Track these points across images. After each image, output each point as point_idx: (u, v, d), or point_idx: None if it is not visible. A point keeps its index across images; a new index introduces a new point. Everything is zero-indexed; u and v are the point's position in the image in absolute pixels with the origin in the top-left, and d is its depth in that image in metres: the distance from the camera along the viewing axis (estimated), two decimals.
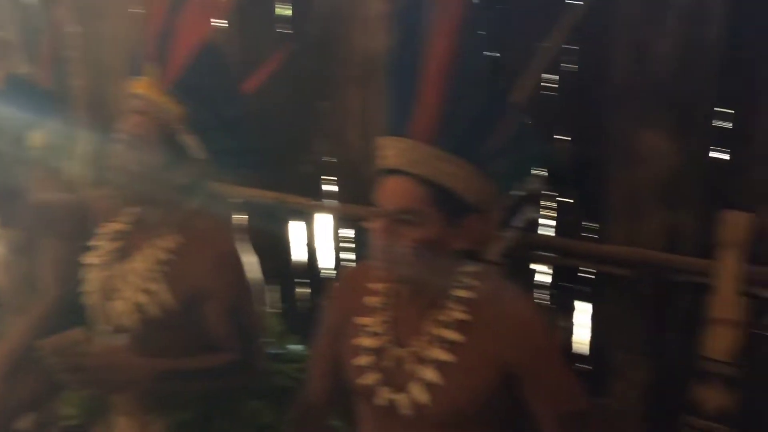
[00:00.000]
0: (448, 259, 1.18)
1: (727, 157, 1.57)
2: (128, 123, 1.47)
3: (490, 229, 1.61)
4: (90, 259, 1.59)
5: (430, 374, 1.18)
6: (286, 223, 2.20)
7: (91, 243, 1.62)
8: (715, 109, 1.55)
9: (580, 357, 1.82)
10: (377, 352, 1.24)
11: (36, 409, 2.01)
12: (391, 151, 1.15)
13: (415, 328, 1.22)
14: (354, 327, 1.28)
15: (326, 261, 2.20)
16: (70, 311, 1.83)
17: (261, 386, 1.65)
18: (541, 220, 1.80)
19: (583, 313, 1.80)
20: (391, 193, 1.13)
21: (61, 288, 1.95)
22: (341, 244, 2.13)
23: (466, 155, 1.11)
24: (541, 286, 1.85)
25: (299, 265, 2.23)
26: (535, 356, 1.16)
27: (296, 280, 2.23)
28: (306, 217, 2.17)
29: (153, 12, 1.48)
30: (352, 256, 2.13)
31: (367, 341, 1.25)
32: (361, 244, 2.06)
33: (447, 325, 1.18)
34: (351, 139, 2.01)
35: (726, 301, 1.49)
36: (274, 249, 2.21)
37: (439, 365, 1.17)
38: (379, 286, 1.28)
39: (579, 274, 1.78)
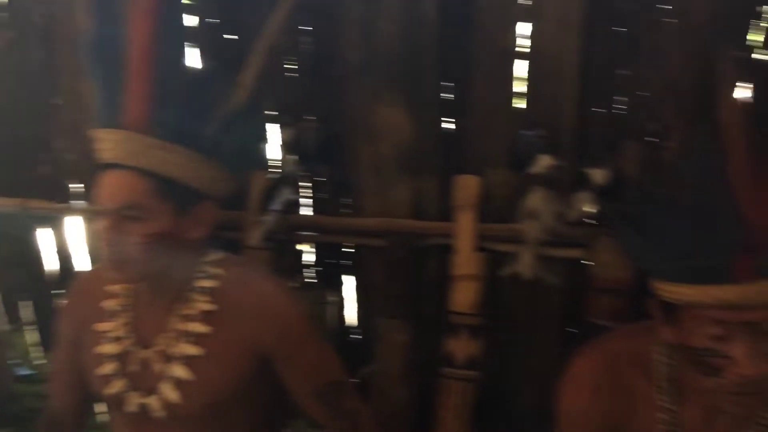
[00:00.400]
0: (186, 251, 1.14)
1: (453, 126, 1.70)
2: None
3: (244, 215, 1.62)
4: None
5: (179, 371, 1.15)
6: (32, 230, 2.00)
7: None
8: (441, 83, 1.66)
9: (351, 328, 1.90)
10: (121, 357, 1.18)
11: None
12: (107, 144, 1.08)
13: (160, 326, 1.17)
14: (93, 335, 1.21)
15: (84, 266, 2.04)
16: None
17: (9, 410, 1.51)
18: (300, 201, 1.83)
19: (349, 286, 1.87)
20: (111, 188, 1.07)
21: None
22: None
23: (185, 142, 1.08)
24: (309, 265, 1.88)
25: (53, 275, 2.05)
26: (284, 335, 1.16)
27: (52, 291, 2.05)
28: (54, 221, 1.99)
29: None
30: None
31: (108, 348, 1.19)
32: None
33: (192, 318, 1.15)
34: (90, 134, 1.86)
35: (465, 258, 1.63)
36: (22, 259, 2.01)
37: (188, 360, 1.15)
38: (116, 288, 1.21)
39: (341, 249, 1.84)
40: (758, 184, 0.87)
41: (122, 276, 1.15)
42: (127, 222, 1.06)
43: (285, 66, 1.74)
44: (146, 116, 1.06)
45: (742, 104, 0.98)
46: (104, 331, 1.20)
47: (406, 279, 1.73)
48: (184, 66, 1.09)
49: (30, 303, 2.05)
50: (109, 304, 1.21)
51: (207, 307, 1.15)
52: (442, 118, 1.70)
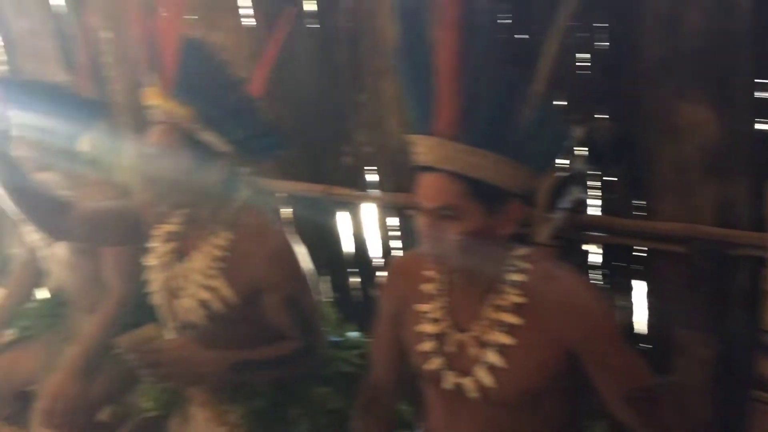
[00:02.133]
0: (497, 246, 1.21)
1: None
2: (153, 134, 1.51)
3: (533, 212, 1.66)
4: (150, 260, 1.66)
5: (492, 357, 1.22)
6: (333, 214, 2.24)
7: (149, 245, 1.68)
8: (756, 80, 1.52)
9: (639, 336, 1.83)
10: (439, 337, 1.28)
11: (113, 402, 2.12)
12: (422, 148, 1.17)
13: (474, 313, 1.25)
14: (413, 314, 1.32)
15: (374, 250, 2.24)
16: (139, 308, 1.93)
17: (325, 372, 1.72)
18: (588, 201, 1.80)
19: (638, 292, 1.80)
20: (428, 190, 1.16)
21: (127, 287, 2.05)
22: (388, 233, 2.16)
23: (492, 146, 1.12)
24: (595, 266, 1.85)
25: (348, 255, 2.27)
26: (592, 335, 1.18)
27: (347, 269, 2.28)
28: (351, 207, 2.20)
29: (133, 20, 1.50)
30: (398, 244, 2.16)
31: (428, 327, 1.30)
32: (406, 232, 2.09)
33: (504, 309, 1.22)
34: (390, 129, 2.02)
35: None
36: (323, 240, 2.25)
37: (501, 348, 1.21)
38: (432, 273, 1.32)
39: (631, 252, 1.78)
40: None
41: (440, 266, 1.26)
42: (444, 220, 1.14)
43: (577, 64, 1.71)
44: (455, 123, 1.12)
45: None
46: (423, 312, 1.31)
47: (710, 291, 1.62)
48: (491, 72, 1.12)
49: (328, 279, 2.30)
50: (427, 287, 1.32)
51: (518, 299, 1.21)
52: (756, 119, 1.55)
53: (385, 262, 2.20)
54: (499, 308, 1.22)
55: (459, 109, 1.11)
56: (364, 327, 1.81)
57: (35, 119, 2.01)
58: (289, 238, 1.58)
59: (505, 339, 1.21)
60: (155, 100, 1.49)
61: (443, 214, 1.14)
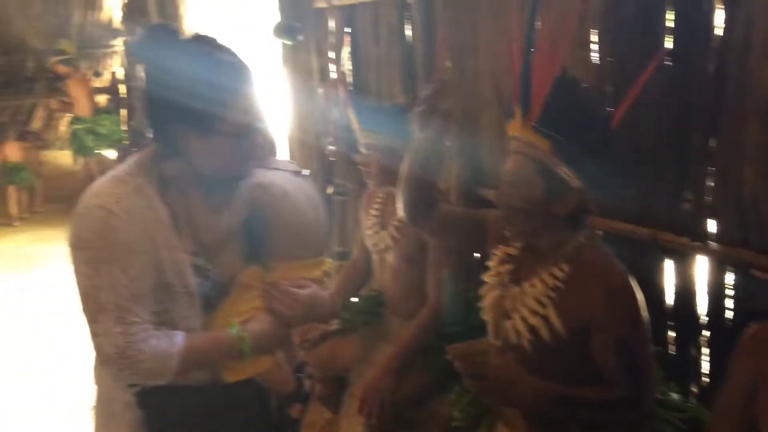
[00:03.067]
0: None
1: None
2: (510, 162, 1.57)
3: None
4: (486, 277, 1.72)
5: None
6: (657, 260, 2.12)
7: (487, 263, 1.74)
8: None
9: None
10: None
11: (419, 406, 2.27)
12: None
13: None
14: None
15: (701, 307, 2.06)
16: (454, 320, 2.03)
17: (644, 430, 1.62)
18: None
19: None
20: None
21: (442, 300, 2.18)
22: (722, 291, 1.97)
23: None
24: None
25: (670, 308, 2.12)
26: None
27: (667, 323, 2.13)
28: (679, 256, 2.06)
29: (513, 53, 1.54)
30: (730, 304, 1.96)
31: None
32: (745, 293, 1.89)
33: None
34: (746, 178, 1.84)
35: None
36: (641, 287, 2.14)
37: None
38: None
39: None
40: None
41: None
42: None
43: None
44: None
45: None
46: None
47: None
48: None
49: None
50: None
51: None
52: None
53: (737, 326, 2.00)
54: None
55: None
56: (685, 389, 1.67)
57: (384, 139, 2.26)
58: (630, 280, 1.53)
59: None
60: (517, 132, 1.55)
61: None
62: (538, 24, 1.47)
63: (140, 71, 1.34)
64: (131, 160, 1.37)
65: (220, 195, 1.44)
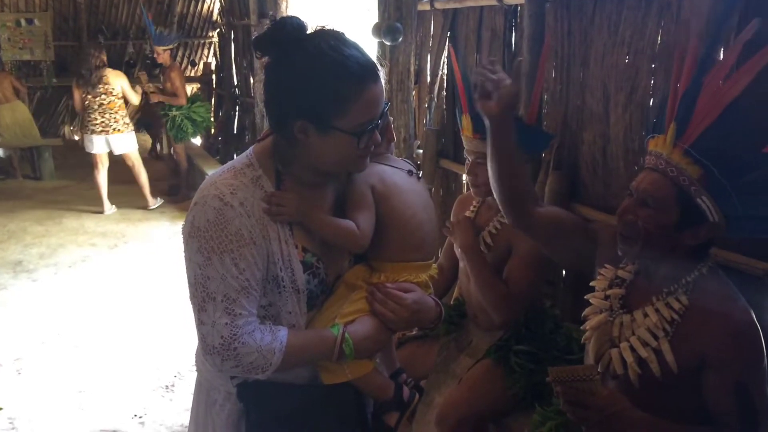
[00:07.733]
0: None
1: None
2: (645, 180, 1.48)
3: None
4: (592, 299, 1.64)
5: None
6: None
7: (592, 279, 1.67)
8: None
9: None
10: None
11: (496, 422, 2.20)
12: None
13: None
14: None
15: None
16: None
17: None
18: None
19: None
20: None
21: (517, 315, 2.12)
22: None
23: None
24: None
25: None
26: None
27: None
28: None
29: (682, 71, 1.45)
30: None
31: None
32: None
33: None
34: None
35: None
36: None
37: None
38: None
39: None
40: None
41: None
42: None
43: None
44: None
45: None
46: None
47: None
48: None
49: None
50: None
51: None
52: None
53: None
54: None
55: None
56: None
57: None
58: (753, 317, 1.42)
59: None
60: (662, 149, 1.46)
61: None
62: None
63: (263, 65, 1.33)
64: (250, 152, 1.37)
65: (334, 190, 1.43)
